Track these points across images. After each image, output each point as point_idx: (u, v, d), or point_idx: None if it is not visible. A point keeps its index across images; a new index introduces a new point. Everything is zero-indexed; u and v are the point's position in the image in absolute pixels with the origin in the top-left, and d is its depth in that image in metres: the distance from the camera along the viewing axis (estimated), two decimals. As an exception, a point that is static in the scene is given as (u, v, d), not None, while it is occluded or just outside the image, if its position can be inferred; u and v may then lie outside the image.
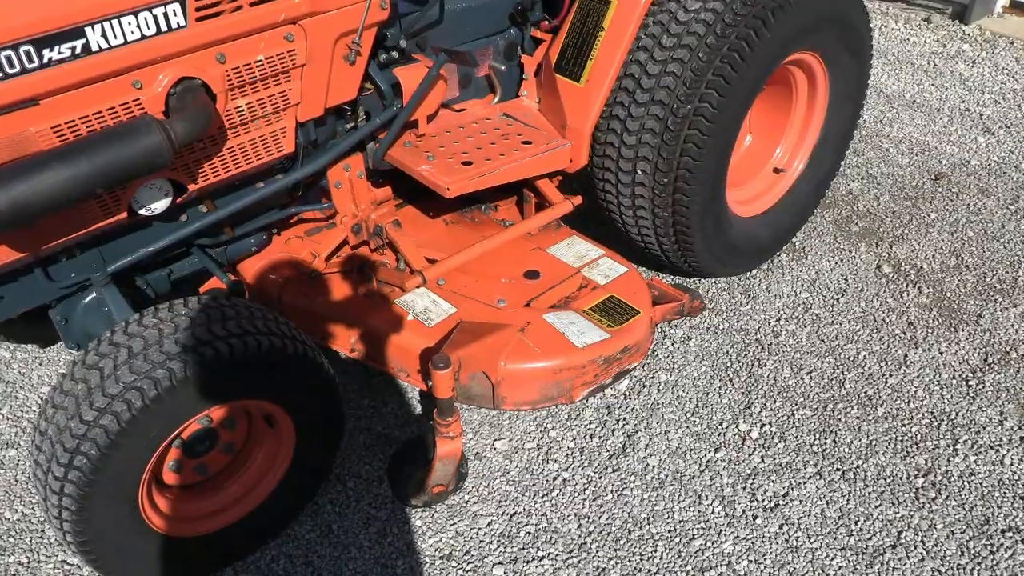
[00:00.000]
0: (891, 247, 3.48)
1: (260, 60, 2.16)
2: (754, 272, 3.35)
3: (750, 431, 2.68)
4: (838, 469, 2.54)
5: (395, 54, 2.65)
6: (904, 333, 3.04)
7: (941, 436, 2.64)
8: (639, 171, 2.77)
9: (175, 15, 1.97)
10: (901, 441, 2.63)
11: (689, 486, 2.51)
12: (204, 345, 1.94)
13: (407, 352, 2.54)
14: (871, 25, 3.07)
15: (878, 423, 2.69)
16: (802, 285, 3.29)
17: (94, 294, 2.32)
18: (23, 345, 3.10)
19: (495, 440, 2.68)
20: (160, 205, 2.21)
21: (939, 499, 2.44)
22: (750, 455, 2.60)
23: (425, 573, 2.29)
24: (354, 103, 2.59)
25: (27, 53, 1.78)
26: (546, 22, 2.98)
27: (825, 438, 2.65)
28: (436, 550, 2.35)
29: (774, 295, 3.24)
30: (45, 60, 1.82)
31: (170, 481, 2.18)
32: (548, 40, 2.92)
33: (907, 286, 3.26)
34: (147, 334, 1.94)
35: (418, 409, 2.79)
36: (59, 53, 1.83)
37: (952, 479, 2.50)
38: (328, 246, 2.73)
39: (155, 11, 1.93)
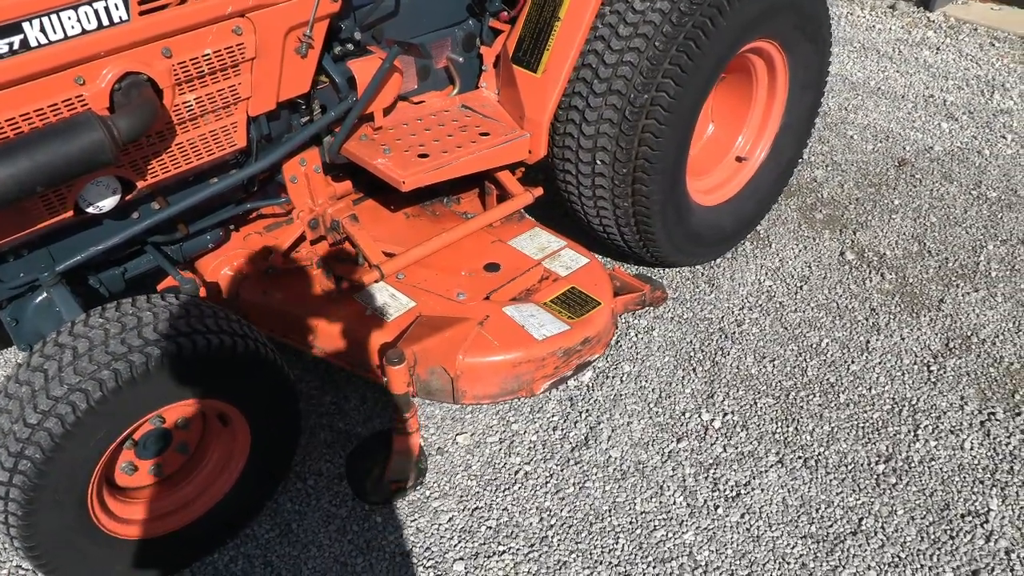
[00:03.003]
0: (855, 234, 3.49)
1: (208, 54, 2.12)
2: (718, 261, 3.35)
3: (712, 420, 2.68)
4: (800, 457, 2.55)
5: (350, 46, 2.62)
6: (867, 320, 3.05)
7: (902, 422, 2.65)
8: (598, 161, 2.75)
9: (117, 9, 1.93)
10: (862, 428, 2.64)
11: (651, 477, 2.51)
12: (151, 345, 1.90)
13: (365, 347, 2.52)
14: (830, 12, 3.07)
15: (840, 410, 2.70)
16: (766, 273, 3.30)
17: (44, 294, 2.28)
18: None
19: (457, 434, 2.66)
20: (108, 203, 2.17)
21: (899, 485, 2.45)
22: (712, 444, 2.60)
23: (385, 571, 2.28)
24: (308, 96, 2.55)
25: (-40, 49, 1.74)
26: (505, 12, 2.96)
27: (787, 426, 2.65)
28: (396, 547, 2.33)
29: (738, 284, 3.24)
30: (-20, 56, 1.78)
31: (123, 483, 2.15)
32: (507, 31, 2.90)
33: (870, 273, 3.28)
34: (92, 335, 1.91)
35: (380, 405, 2.77)
36: (-5, 49, 1.79)
37: (913, 464, 2.51)
38: (286, 241, 2.69)
39: (96, 5, 1.89)
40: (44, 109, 1.90)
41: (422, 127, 2.77)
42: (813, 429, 2.64)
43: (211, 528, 2.28)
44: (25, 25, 1.81)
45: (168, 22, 2.02)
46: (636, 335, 3.02)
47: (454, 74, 2.97)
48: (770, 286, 3.23)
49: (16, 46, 1.81)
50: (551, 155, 2.90)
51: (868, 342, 2.96)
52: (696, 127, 3.25)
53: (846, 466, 2.51)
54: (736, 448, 2.59)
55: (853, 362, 2.88)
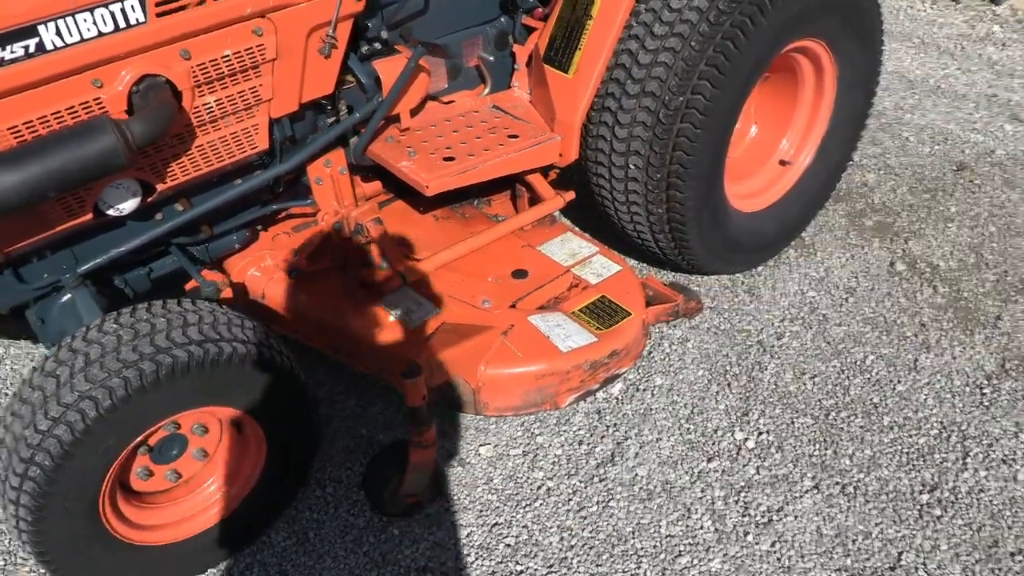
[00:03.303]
0: (906, 243, 3.32)
1: (227, 55, 2.09)
2: (760, 269, 3.22)
3: (746, 440, 2.56)
4: (837, 483, 2.42)
5: (377, 45, 2.57)
6: (916, 336, 2.89)
7: (950, 448, 2.50)
8: (631, 166, 2.65)
9: (134, 11, 1.90)
10: (907, 453, 2.49)
11: (678, 498, 2.41)
12: (162, 353, 1.87)
13: (387, 354, 2.47)
14: (880, 8, 2.90)
15: (883, 433, 2.56)
16: (809, 283, 3.15)
17: (69, 295, 2.28)
18: (17, 341, 3.08)
19: (480, 445, 2.59)
20: (128, 205, 2.15)
21: (944, 517, 2.31)
22: (745, 466, 2.49)
23: (399, 586, 2.23)
24: (334, 97, 2.50)
25: (-24, 53, 1.73)
26: (539, 9, 2.87)
27: (825, 449, 2.52)
28: (412, 561, 2.27)
29: (779, 294, 3.11)
30: (-3, 61, 1.76)
31: (139, 488, 2.13)
32: (540, 28, 2.80)
33: (921, 285, 3.11)
34: (105, 341, 1.88)
35: (403, 411, 2.71)
36: (11, 52, 1.77)
37: (960, 496, 2.36)
38: (310, 244, 2.65)
39: (112, 7, 1.87)
40: (62, 112, 1.89)
41: (450, 128, 2.70)
42: (853, 453, 2.50)
43: (228, 534, 2.25)
44: (40, 28, 1.79)
45: (186, 23, 1.98)
46: (670, 346, 2.91)
47: (485, 73, 2.89)
48: (813, 297, 3.09)
49: (32, 49, 1.80)
50: (583, 158, 2.81)
51: (916, 360, 2.80)
52: (735, 130, 3.14)
53: (887, 495, 2.37)
54: (770, 471, 2.47)
55: (899, 382, 2.72)
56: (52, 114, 1.87)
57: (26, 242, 2.03)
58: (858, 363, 2.80)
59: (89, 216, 2.08)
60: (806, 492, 2.40)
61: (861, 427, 2.58)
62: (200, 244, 2.53)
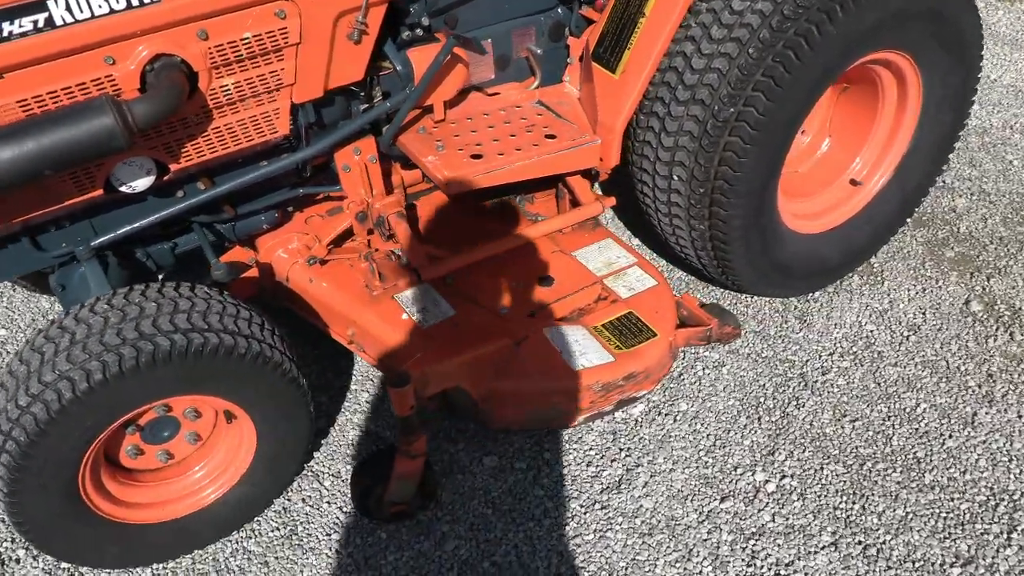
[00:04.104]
0: (988, 280, 2.99)
1: (247, 38, 2.03)
2: (817, 294, 2.97)
3: (767, 482, 2.37)
4: (859, 542, 2.21)
5: (419, 31, 2.47)
6: (979, 387, 2.61)
7: (996, 519, 2.24)
8: (675, 177, 2.47)
9: (147, -11, 1.87)
10: (944, 518, 2.25)
11: (681, 537, 2.25)
12: (144, 339, 1.85)
13: (395, 352, 2.39)
14: (979, 19, 2.58)
15: (921, 493, 2.32)
16: (869, 315, 2.89)
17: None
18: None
19: (484, 455, 2.50)
20: (142, 183, 2.14)
21: (975, 597, 2.08)
22: (760, 511, 2.31)
23: (377, 593, 2.18)
24: (368, 83, 2.43)
25: (-15, 26, 1.73)
26: (600, 0, 2.70)
27: (853, 502, 2.31)
28: (393, 569, 2.21)
29: (833, 323, 2.86)
30: (4, 33, 1.75)
31: (129, 465, 2.15)
32: (598, 21, 2.63)
33: (997, 329, 2.80)
34: (93, 321, 1.88)
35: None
36: (19, 26, 1.77)
37: (996, 575, 2.12)
38: (333, 231, 2.61)
39: (125, -17, 1.83)
40: (72, 88, 1.88)
41: (486, 123, 2.59)
42: (883, 511, 2.28)
43: (214, 520, 2.25)
44: (50, 3, 1.77)
45: (203, 3, 1.94)
46: (703, 369, 2.73)
47: (535, 65, 2.75)
48: (871, 331, 2.83)
49: (41, 24, 1.78)
50: (629, 162, 2.64)
51: (975, 415, 2.52)
52: (806, 144, 2.91)
53: (913, 562, 2.15)
54: (786, 519, 2.28)
55: (951, 436, 2.46)
56: (63, 89, 1.87)
57: (35, 214, 2.05)
58: (907, 410, 2.55)
59: (99, 192, 2.09)
60: (822, 548, 2.20)
61: (898, 483, 2.35)
62: (225, 223, 2.51)
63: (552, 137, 2.53)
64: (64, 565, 2.25)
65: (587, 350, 2.36)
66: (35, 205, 2.03)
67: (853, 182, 2.89)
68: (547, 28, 2.72)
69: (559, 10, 2.73)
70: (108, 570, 2.23)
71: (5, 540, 2.33)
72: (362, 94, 2.44)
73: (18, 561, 2.28)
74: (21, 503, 1.88)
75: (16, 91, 1.82)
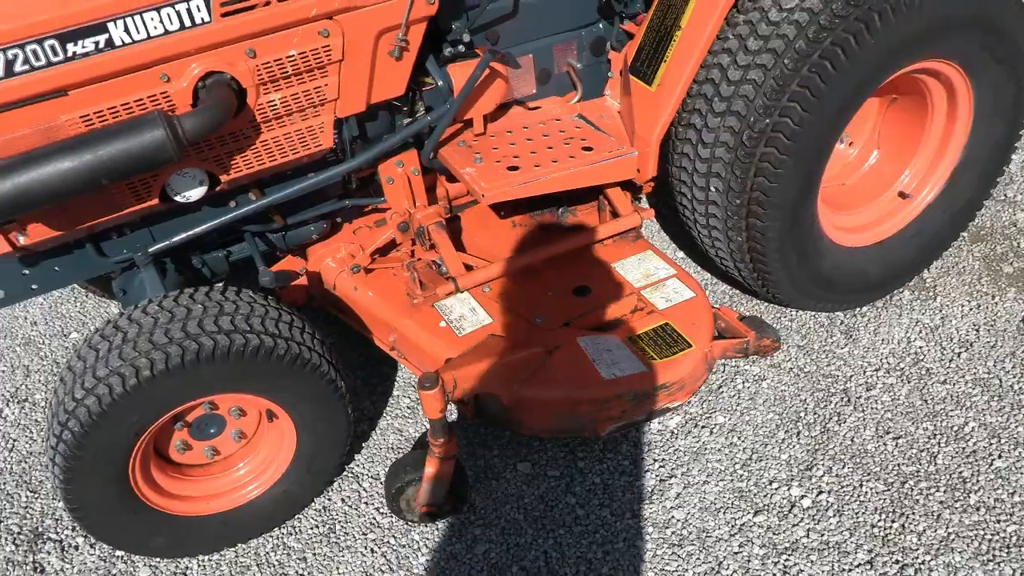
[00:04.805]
0: (1049, 297, 2.89)
1: (292, 55, 2.14)
2: (864, 308, 2.91)
3: (803, 497, 2.34)
4: (897, 561, 2.15)
5: (461, 48, 2.55)
6: (1034, 406, 2.52)
7: (1044, 542, 2.16)
8: (712, 188, 2.48)
9: (199, 11, 1.98)
10: (989, 541, 2.18)
11: (712, 550, 2.24)
12: (190, 339, 1.97)
13: (432, 358, 2.46)
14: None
15: (966, 514, 2.25)
16: (919, 331, 2.81)
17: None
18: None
19: (519, 461, 2.54)
20: (195, 193, 2.27)
21: (1017, 622, 2.01)
22: (794, 526, 2.27)
23: (407, 592, 2.24)
24: (412, 98, 2.52)
25: (51, 47, 1.87)
26: (642, 15, 2.73)
27: (892, 520, 2.25)
28: (424, 570, 2.27)
29: (881, 339, 2.80)
30: (69, 54, 1.89)
31: (177, 460, 2.27)
32: (637, 34, 2.67)
33: (1055, 348, 2.70)
34: (144, 321, 2.01)
35: (455, 416, 2.71)
36: (82, 47, 1.90)
37: (1042, 600, 2.04)
38: (377, 241, 2.70)
39: (178, 7, 1.96)
40: (131, 103, 2.01)
41: (524, 136, 2.64)
42: (924, 531, 2.22)
43: (257, 516, 2.35)
44: (110, 25, 1.90)
45: (251, 24, 2.05)
46: (743, 383, 2.71)
47: (576, 80, 2.80)
48: (920, 347, 2.76)
49: (102, 45, 1.92)
50: (669, 174, 2.66)
51: (1027, 435, 2.44)
52: (852, 156, 2.88)
53: (953, 585, 2.09)
54: (821, 535, 2.24)
55: (1000, 457, 2.38)
56: (122, 105, 2.00)
57: (97, 222, 2.19)
58: (955, 429, 2.48)
59: (155, 201, 2.22)
60: (857, 566, 2.16)
61: (941, 503, 2.28)
62: (274, 232, 2.63)
63: (589, 149, 2.57)
64: (119, 553, 2.39)
65: (620, 359, 2.38)
66: (97, 213, 2.17)
67: (902, 195, 2.83)
68: (588, 43, 2.77)
69: (600, 25, 2.78)
70: (157, 559, 2.35)
71: (66, 528, 2.48)
72: (404, 108, 2.53)
73: (77, 548, 2.43)
74: (76, 491, 2.01)
75: (80, 107, 1.97)
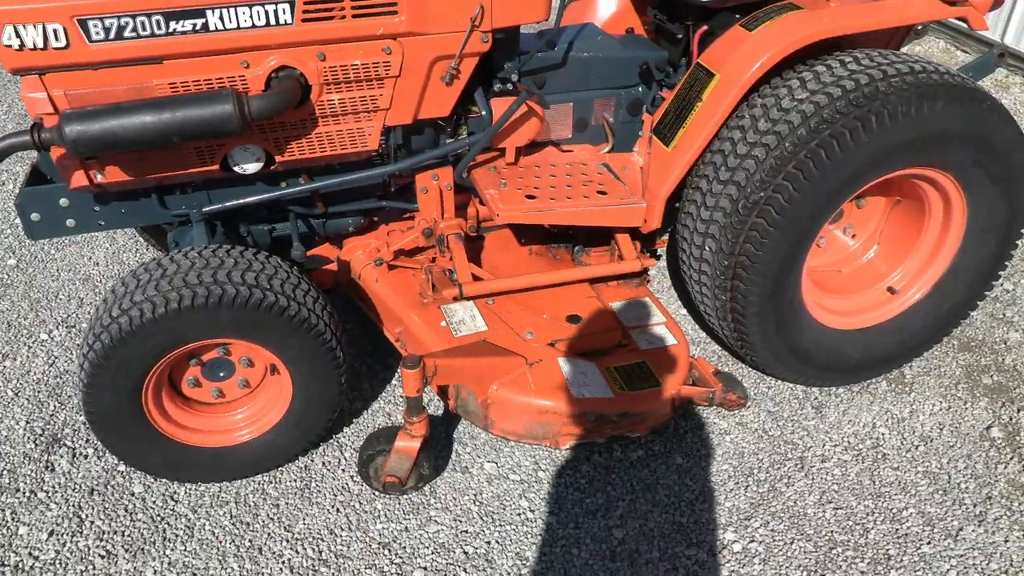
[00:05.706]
0: (1018, 412, 3.00)
1: (356, 64, 2.47)
2: (840, 390, 3.08)
3: (735, 543, 2.51)
4: (806, 614, 2.31)
5: (509, 86, 2.85)
6: (975, 507, 2.64)
7: (949, 626, 2.29)
8: (707, 247, 2.71)
9: (284, 13, 2.33)
10: (897, 614, 2.32)
11: (640, 570, 2.42)
12: (217, 284, 2.27)
13: (424, 349, 2.72)
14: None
15: (882, 586, 2.39)
16: (886, 420, 2.96)
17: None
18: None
19: (486, 461, 2.77)
20: (251, 167, 2.60)
21: None
22: (720, 564, 2.44)
23: (357, 553, 2.46)
24: (455, 120, 2.82)
25: (157, 22, 2.23)
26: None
27: (812, 579, 2.41)
28: (379, 535, 2.50)
29: (847, 420, 2.96)
30: (170, 29, 2.26)
31: (187, 393, 2.56)
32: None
33: (1011, 458, 2.81)
34: (183, 263, 2.33)
35: (442, 412, 2.95)
36: (182, 26, 2.27)
37: (932, 675, 2.16)
38: (402, 242, 2.99)
39: (267, 7, 2.31)
40: (212, 80, 2.36)
41: (549, 172, 2.93)
42: (838, 593, 2.37)
43: (244, 458, 2.63)
44: (208, 12, 2.26)
45: (325, 31, 2.39)
46: (709, 433, 2.90)
47: (608, 132, 3.08)
48: (883, 433, 2.91)
49: (199, 27, 2.28)
50: (675, 229, 2.90)
51: (961, 530, 2.56)
52: (848, 248, 3.07)
53: (851, 644, 2.23)
54: (742, 578, 2.41)
55: (929, 543, 2.51)
56: (204, 80, 2.35)
57: (164, 174, 2.53)
58: (894, 511, 2.62)
59: (216, 167, 2.55)
60: (768, 612, 2.32)
61: (862, 572, 2.43)
62: (315, 217, 2.95)
63: (603, 193, 2.84)
64: (120, 468, 2.68)
65: (591, 383, 2.61)
66: (166, 167, 2.52)
67: (891, 290, 3.01)
68: (626, 102, 3.06)
69: (640, 88, 3.07)
70: (151, 478, 2.64)
71: (81, 439, 2.80)
72: (448, 128, 2.84)
73: (86, 457, 2.74)
74: (95, 396, 2.32)
75: (170, 75, 2.32)
